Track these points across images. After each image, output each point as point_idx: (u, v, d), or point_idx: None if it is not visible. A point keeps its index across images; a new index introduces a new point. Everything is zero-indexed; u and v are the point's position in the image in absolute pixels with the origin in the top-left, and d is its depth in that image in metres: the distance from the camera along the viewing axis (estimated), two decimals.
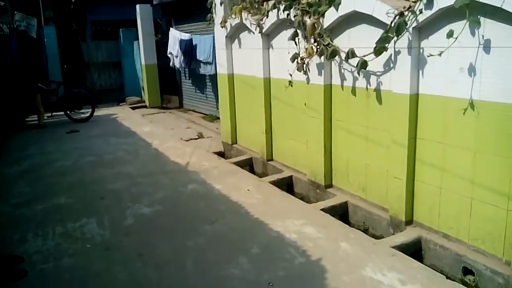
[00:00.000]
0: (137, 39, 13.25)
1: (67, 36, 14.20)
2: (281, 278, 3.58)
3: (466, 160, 3.68)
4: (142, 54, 12.97)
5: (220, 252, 4.11)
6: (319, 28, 4.98)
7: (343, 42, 4.83)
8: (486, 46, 3.40)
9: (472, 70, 3.54)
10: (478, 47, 3.45)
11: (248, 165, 7.12)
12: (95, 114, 11.09)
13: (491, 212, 3.52)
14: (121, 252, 4.23)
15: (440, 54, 3.62)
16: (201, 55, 10.33)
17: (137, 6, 12.52)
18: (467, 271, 3.67)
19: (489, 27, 3.36)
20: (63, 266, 4.00)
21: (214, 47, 8.52)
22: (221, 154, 7.85)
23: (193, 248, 4.21)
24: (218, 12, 7.42)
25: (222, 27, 7.33)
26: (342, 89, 5.02)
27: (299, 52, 5.38)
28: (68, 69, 14.19)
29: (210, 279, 3.65)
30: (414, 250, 4.02)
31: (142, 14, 12.58)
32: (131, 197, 5.63)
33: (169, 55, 11.42)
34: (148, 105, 13.12)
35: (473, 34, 3.47)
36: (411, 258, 3.75)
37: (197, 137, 8.97)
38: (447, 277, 3.51)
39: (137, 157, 7.64)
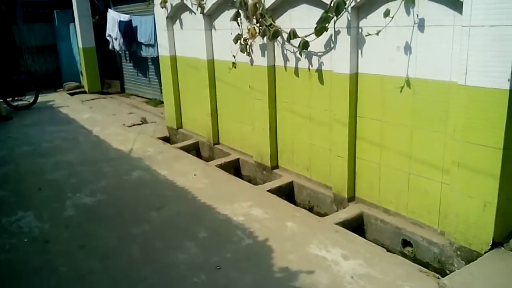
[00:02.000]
0: (73, 21, 12.53)
1: None
2: (228, 260, 3.58)
3: (403, 137, 3.81)
4: (79, 37, 12.30)
5: (167, 238, 4.04)
6: (260, 8, 4.92)
7: (285, 22, 4.81)
8: (421, 25, 3.51)
9: (408, 48, 3.64)
10: (413, 26, 3.55)
11: (194, 149, 7.02)
12: (31, 101, 10.46)
13: (427, 186, 3.69)
14: (62, 245, 4.06)
15: (377, 33, 3.70)
16: (142, 37, 9.97)
17: None
18: (406, 243, 3.85)
19: (423, 6, 3.46)
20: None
21: (155, 28, 8.23)
22: (166, 139, 7.67)
23: (139, 236, 4.11)
24: None
25: (162, 7, 7.07)
26: (286, 70, 5.02)
27: (241, 33, 5.31)
28: None
29: (157, 266, 3.58)
30: (357, 225, 4.16)
31: None
32: (71, 187, 5.39)
33: (108, 38, 10.90)
34: (87, 90, 12.53)
35: (408, 13, 3.57)
36: (354, 234, 3.87)
37: (140, 122, 8.70)
38: (388, 250, 3.66)
39: (77, 145, 7.29)
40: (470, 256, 3.29)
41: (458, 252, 3.40)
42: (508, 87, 2.92)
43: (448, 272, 3.41)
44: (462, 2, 3.08)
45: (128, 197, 5.07)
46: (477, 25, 3.00)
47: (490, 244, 3.19)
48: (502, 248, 3.22)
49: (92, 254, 3.84)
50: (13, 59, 13.61)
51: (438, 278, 3.14)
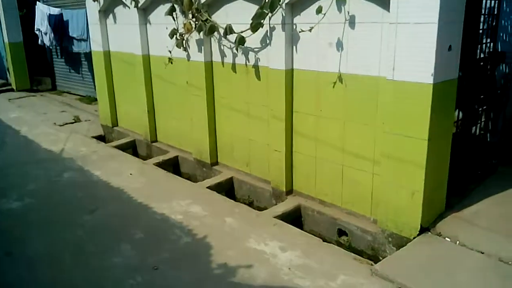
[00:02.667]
0: None
1: None
2: (166, 260, 3.49)
3: (336, 130, 3.93)
4: (4, 31, 11.45)
5: (101, 241, 3.86)
6: (196, 3, 4.84)
7: (221, 18, 4.78)
8: (351, 22, 3.62)
9: (339, 45, 3.75)
10: (345, 22, 3.66)
11: (131, 147, 6.80)
12: None
13: (359, 177, 3.83)
14: None
15: (310, 30, 3.77)
16: (74, 32, 9.48)
17: None
18: (341, 232, 3.97)
19: (354, 3, 3.57)
20: None
21: (87, 22, 7.86)
22: (101, 138, 7.36)
23: (70, 241, 3.90)
24: None
25: (94, 1, 6.77)
26: (223, 66, 4.99)
27: (177, 28, 5.20)
28: None
29: (91, 271, 3.42)
30: (295, 217, 4.23)
31: None
32: None
33: (37, 32, 10.26)
34: (15, 88, 11.71)
35: (340, 10, 3.66)
36: (292, 226, 3.94)
37: (73, 121, 8.27)
38: (324, 240, 3.75)
39: (3, 146, 6.80)
40: (400, 242, 3.46)
41: (390, 239, 3.55)
42: (431, 82, 3.08)
43: (381, 258, 3.56)
44: (389, 0, 3.21)
45: (59, 200, 4.79)
46: (403, 22, 3.14)
47: (418, 229, 3.37)
48: (429, 233, 3.41)
49: (20, 262, 3.58)
50: None
51: (371, 265, 3.26)
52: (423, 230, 3.40)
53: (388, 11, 3.26)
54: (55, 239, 3.94)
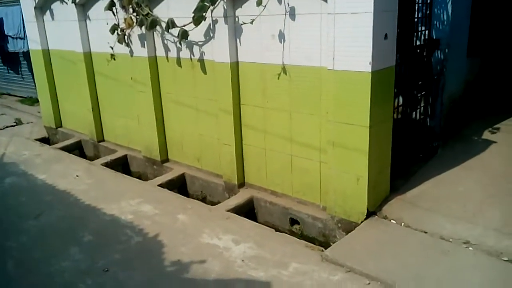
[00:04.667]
0: None
1: None
2: (117, 261, 3.42)
3: (284, 121, 3.98)
4: None
5: (47, 247, 3.72)
6: None
7: (162, 11, 4.68)
8: (292, 13, 3.66)
9: (282, 36, 3.78)
10: (285, 14, 3.69)
11: (77, 148, 6.56)
12: None
13: (308, 165, 3.91)
14: None
15: (251, 22, 3.78)
16: (9, 30, 9.01)
17: None
18: (293, 221, 4.05)
19: None
20: None
21: (23, 20, 7.46)
22: (45, 140, 7.05)
23: (15, 248, 3.73)
24: None
25: None
26: (168, 61, 4.91)
27: (118, 23, 5.05)
28: None
29: (37, 277, 3.28)
30: (248, 210, 4.26)
31: None
32: None
33: None
34: None
35: (280, 2, 3.69)
36: (244, 218, 3.96)
37: (14, 123, 7.85)
38: (277, 230, 3.80)
39: None
40: (349, 227, 3.57)
41: (339, 225, 3.66)
42: (369, 70, 3.18)
43: (332, 244, 3.65)
44: None
45: (1, 206, 4.56)
46: (340, 12, 3.21)
47: (365, 214, 3.49)
48: (376, 216, 3.55)
49: None
50: None
51: (322, 251, 3.35)
52: (370, 214, 3.53)
53: (326, 1, 3.32)
54: None
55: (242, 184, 4.50)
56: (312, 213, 3.86)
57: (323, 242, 3.77)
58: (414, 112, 4.61)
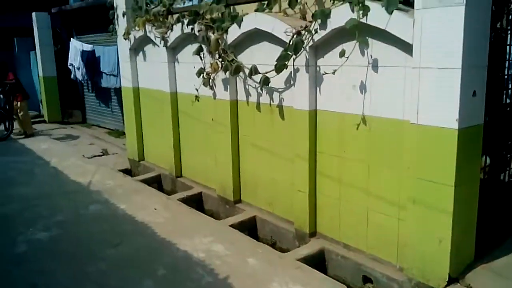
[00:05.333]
0: (34, 49, 12.29)
1: None
2: None
3: (361, 172, 3.89)
4: (40, 66, 12.04)
5: (124, 276, 3.89)
6: (223, 44, 5.00)
7: (246, 58, 4.90)
8: (375, 65, 3.66)
9: (363, 87, 3.78)
10: (368, 65, 3.70)
11: (156, 182, 6.89)
12: None
13: (385, 221, 3.75)
14: (10, 283, 3.83)
15: (333, 72, 3.82)
16: (105, 67, 9.88)
17: (33, 15, 11.61)
18: (366, 279, 3.86)
19: (376, 47, 3.62)
20: None
21: (118, 59, 8.19)
22: (127, 172, 7.50)
23: (94, 274, 3.95)
24: (121, 24, 7.15)
25: (125, 39, 7.07)
26: (248, 105, 5.08)
27: (204, 67, 5.36)
28: None
29: None
30: (318, 261, 4.15)
31: (39, 23, 11.70)
32: (24, 222, 5.15)
33: (70, 67, 10.75)
34: (47, 120, 12.18)
35: (362, 53, 3.71)
36: (315, 270, 3.85)
37: (101, 153, 8.49)
38: (348, 286, 3.66)
39: (33, 177, 7.02)
40: None
41: None
42: (456, 127, 3.05)
43: None
44: (412, 45, 3.24)
45: (84, 232, 4.88)
46: (426, 67, 3.15)
47: (447, 280, 3.25)
48: (458, 284, 3.28)
49: None
50: None
51: None
52: (452, 280, 3.27)
53: (411, 55, 3.28)
54: (79, 271, 3.99)
55: (313, 233, 4.42)
56: (388, 273, 3.66)
57: None
58: (502, 174, 4.30)
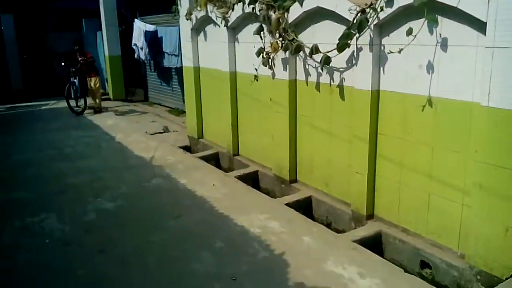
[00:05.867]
0: (101, 29, 12.88)
1: (26, 25, 13.64)
2: (244, 272, 3.59)
3: (424, 156, 3.78)
4: (105, 45, 12.63)
5: (183, 247, 4.08)
6: (284, 23, 4.97)
7: (307, 37, 4.85)
8: (443, 44, 3.49)
9: (430, 67, 3.63)
10: (436, 45, 3.54)
11: (214, 159, 7.08)
12: (55, 106, 10.71)
13: (447, 207, 3.63)
14: (82, 248, 4.14)
15: (400, 51, 3.70)
16: (167, 48, 10.17)
17: None
18: (424, 264, 3.78)
19: (446, 25, 3.45)
20: (21, 261, 3.89)
21: (180, 39, 8.40)
22: (187, 149, 7.76)
23: (156, 244, 4.17)
24: (183, 4, 7.31)
25: (187, 19, 7.22)
26: (307, 85, 5.05)
27: (264, 47, 5.37)
28: (28, 59, 13.67)
29: (173, 275, 3.62)
30: (375, 244, 4.10)
31: (105, 4, 12.25)
32: (92, 192, 5.50)
33: (133, 47, 11.16)
34: (112, 97, 12.81)
35: (431, 32, 3.55)
36: (371, 252, 3.82)
37: (162, 131, 8.84)
38: (405, 271, 3.60)
39: (99, 151, 7.46)
40: (490, 281, 3.22)
41: (478, 277, 3.32)
42: None
43: None
44: (485, 23, 3.06)
45: (147, 204, 5.14)
46: (501, 46, 2.97)
47: None
48: None
49: (111, 260, 3.90)
50: (42, 65, 14.09)
51: None
52: None
53: (484, 34, 3.10)
54: (142, 241, 4.22)
55: (370, 216, 4.37)
56: (447, 259, 3.56)
57: None
58: None
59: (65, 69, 10.88)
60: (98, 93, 10.91)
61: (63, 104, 10.54)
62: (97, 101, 10.94)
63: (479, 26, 3.18)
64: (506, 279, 3.13)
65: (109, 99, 12.84)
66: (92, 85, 10.73)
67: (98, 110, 10.91)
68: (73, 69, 10.55)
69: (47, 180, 6.03)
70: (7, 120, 10.46)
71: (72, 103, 10.69)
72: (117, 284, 3.54)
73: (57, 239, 4.29)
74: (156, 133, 8.60)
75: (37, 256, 3.98)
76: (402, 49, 3.70)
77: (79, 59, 10.49)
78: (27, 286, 3.57)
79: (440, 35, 3.49)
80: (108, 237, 4.34)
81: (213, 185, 5.59)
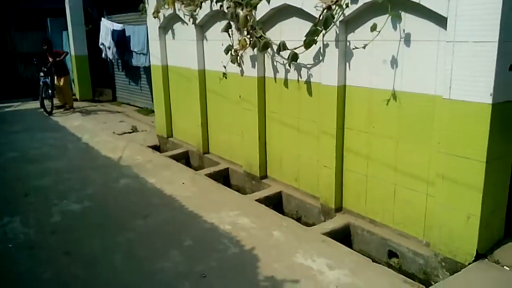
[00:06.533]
0: (66, 29, 12.55)
1: None
2: (214, 268, 3.57)
3: (389, 148, 3.86)
4: (72, 45, 12.31)
5: (152, 246, 4.01)
6: (251, 20, 4.98)
7: (275, 34, 4.88)
8: (407, 40, 3.58)
9: (394, 62, 3.71)
10: (400, 40, 3.63)
11: (184, 158, 7.02)
12: (19, 108, 10.37)
13: (412, 197, 3.73)
14: (47, 251, 4.02)
15: (364, 47, 3.77)
16: (135, 46, 10.02)
17: None
18: (392, 254, 3.86)
19: (409, 21, 3.54)
20: None
21: (147, 38, 8.29)
22: (156, 148, 7.67)
23: (123, 244, 4.09)
24: (151, 3, 7.23)
25: (155, 17, 7.14)
26: (275, 81, 5.08)
27: (232, 44, 5.37)
28: None
29: (141, 274, 3.56)
30: (344, 236, 4.17)
31: (71, 3, 11.96)
32: (58, 194, 5.35)
33: (101, 46, 10.94)
34: (78, 98, 12.48)
35: (395, 28, 3.64)
36: (340, 244, 3.88)
37: (131, 130, 8.68)
38: (374, 261, 3.67)
39: (65, 152, 7.26)
40: (454, 267, 3.32)
41: (443, 263, 3.42)
42: (490, 101, 2.98)
43: (433, 283, 3.42)
44: (446, 18, 3.16)
45: (115, 204, 5.04)
46: (461, 40, 3.07)
47: (474, 255, 3.22)
48: (486, 259, 3.25)
49: (77, 261, 3.80)
50: (5, 65, 13.61)
51: None
52: (479, 256, 3.24)
53: (445, 29, 3.19)
54: (110, 241, 4.14)
55: (339, 209, 4.43)
56: (413, 248, 3.65)
57: (423, 279, 3.54)
58: None
59: (29, 70, 10.60)
60: (67, 91, 10.89)
61: (27, 105, 10.24)
62: (67, 98, 10.98)
63: (441, 21, 3.27)
64: (469, 264, 3.24)
65: (76, 99, 12.51)
66: (62, 85, 10.63)
67: (69, 107, 10.94)
68: (45, 69, 10.35)
69: (10, 183, 5.83)
70: None
71: (34, 104, 10.44)
72: (83, 286, 3.45)
73: (21, 243, 4.15)
74: (124, 133, 8.45)
75: (1, 261, 3.84)
76: (366, 45, 3.78)
77: (49, 59, 10.27)
78: None
79: (404, 30, 3.58)
80: (74, 238, 4.23)
81: (183, 183, 5.54)
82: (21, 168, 6.44)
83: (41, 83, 10.38)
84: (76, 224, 4.57)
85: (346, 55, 4.12)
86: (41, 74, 10.41)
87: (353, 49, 3.97)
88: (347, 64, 4.13)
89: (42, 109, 10.40)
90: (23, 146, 7.68)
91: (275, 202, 5.10)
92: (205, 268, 3.57)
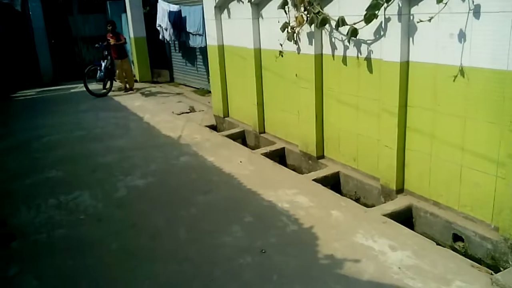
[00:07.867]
0: (125, 11, 12.95)
1: (53, 9, 13.86)
2: (273, 245, 3.63)
3: (456, 127, 3.68)
4: (130, 27, 12.70)
5: (213, 221, 4.15)
6: None
7: (333, 10, 4.75)
8: (476, 12, 3.35)
9: (462, 36, 3.50)
10: (468, 12, 3.40)
11: (240, 137, 7.11)
12: (83, 89, 10.90)
13: (480, 179, 3.55)
14: (114, 223, 4.28)
15: (430, 20, 3.57)
16: (191, 27, 10.15)
17: None
18: (457, 237, 3.72)
19: None
20: (57, 236, 4.04)
21: (203, 18, 8.36)
22: (213, 127, 7.82)
23: (186, 218, 4.26)
24: None
25: None
26: (333, 59, 4.97)
27: (289, 21, 5.29)
28: (56, 44, 13.93)
29: (203, 247, 3.69)
30: (405, 218, 4.06)
31: None
32: (123, 170, 5.64)
33: (158, 28, 11.19)
34: (138, 79, 12.94)
35: None
36: (402, 225, 3.80)
37: (188, 111, 8.91)
38: (437, 244, 3.56)
39: (128, 131, 7.60)
40: None
41: None
42: None
43: (502, 269, 3.27)
44: None
45: (176, 181, 5.23)
46: None
47: None
48: None
49: (142, 233, 4.01)
50: (68, 49, 14.33)
51: (491, 274, 3.03)
52: None
53: None
54: (173, 215, 4.32)
55: (400, 190, 4.31)
56: (481, 232, 3.49)
57: (491, 265, 3.39)
58: None
59: (91, 53, 11.08)
60: (130, 74, 11.50)
61: (91, 87, 10.74)
62: (129, 80, 11.55)
63: None
64: None
65: (135, 81, 12.97)
66: (124, 67, 11.19)
67: (130, 88, 11.50)
68: (106, 52, 10.85)
69: (79, 160, 6.20)
70: (38, 103, 10.73)
71: (95, 86, 10.94)
72: (148, 256, 3.64)
73: (91, 215, 4.44)
74: (182, 113, 8.69)
75: (73, 231, 4.13)
76: (432, 18, 3.58)
77: (109, 40, 10.75)
78: (63, 258, 3.70)
79: (473, 1, 3.35)
80: (139, 212, 4.46)
81: (240, 162, 5.63)
82: (87, 146, 6.83)
83: (93, 66, 10.93)
84: (141, 198, 4.80)
85: (409, 30, 3.94)
86: (105, 52, 10.96)
87: (418, 22, 3.78)
88: (411, 39, 3.95)
89: (87, 92, 10.74)
90: (89, 124, 8.12)
91: (333, 183, 5.06)
92: (265, 243, 3.64)
